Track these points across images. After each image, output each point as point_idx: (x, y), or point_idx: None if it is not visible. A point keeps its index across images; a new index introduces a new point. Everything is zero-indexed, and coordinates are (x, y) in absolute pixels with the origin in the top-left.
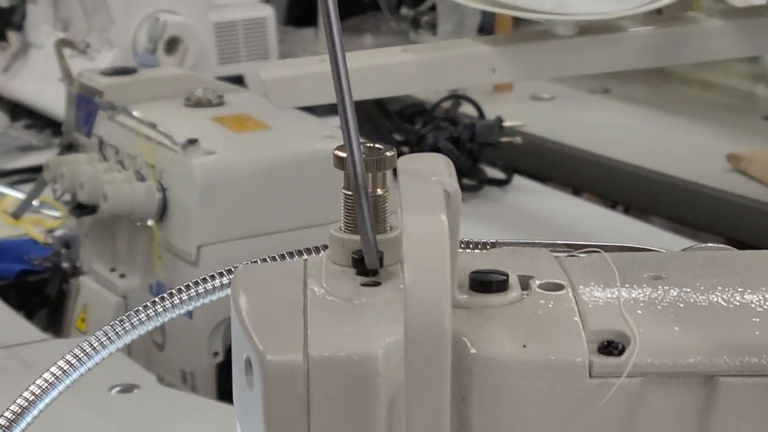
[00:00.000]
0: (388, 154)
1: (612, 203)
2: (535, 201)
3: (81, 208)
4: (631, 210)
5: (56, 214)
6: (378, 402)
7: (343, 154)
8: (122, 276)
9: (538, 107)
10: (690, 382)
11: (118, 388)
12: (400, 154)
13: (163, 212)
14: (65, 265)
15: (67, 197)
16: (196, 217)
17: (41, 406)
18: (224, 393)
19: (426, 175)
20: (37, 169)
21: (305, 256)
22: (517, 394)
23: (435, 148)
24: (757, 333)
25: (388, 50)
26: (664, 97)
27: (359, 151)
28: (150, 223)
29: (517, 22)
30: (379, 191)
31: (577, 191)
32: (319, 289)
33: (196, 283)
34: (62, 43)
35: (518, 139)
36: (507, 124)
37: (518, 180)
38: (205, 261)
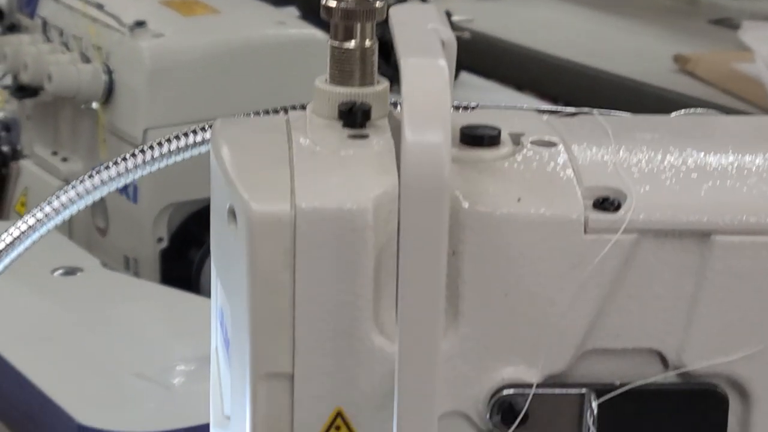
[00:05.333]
0: (377, 4)
1: (554, 100)
2: (479, 96)
3: (23, 90)
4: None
5: None
6: (366, 254)
7: (332, 4)
8: (64, 160)
9: (485, 6)
10: (686, 240)
11: (61, 271)
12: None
13: (108, 95)
14: (5, 148)
15: (9, 80)
16: (142, 99)
17: None
18: (168, 280)
19: (421, 23)
20: None
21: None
22: (510, 249)
23: (382, 42)
24: (754, 192)
25: None
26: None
27: None
28: (95, 105)
29: None
30: (368, 42)
31: (520, 88)
32: (304, 140)
33: (169, 140)
34: None
35: (467, 34)
36: (455, 18)
37: (464, 76)
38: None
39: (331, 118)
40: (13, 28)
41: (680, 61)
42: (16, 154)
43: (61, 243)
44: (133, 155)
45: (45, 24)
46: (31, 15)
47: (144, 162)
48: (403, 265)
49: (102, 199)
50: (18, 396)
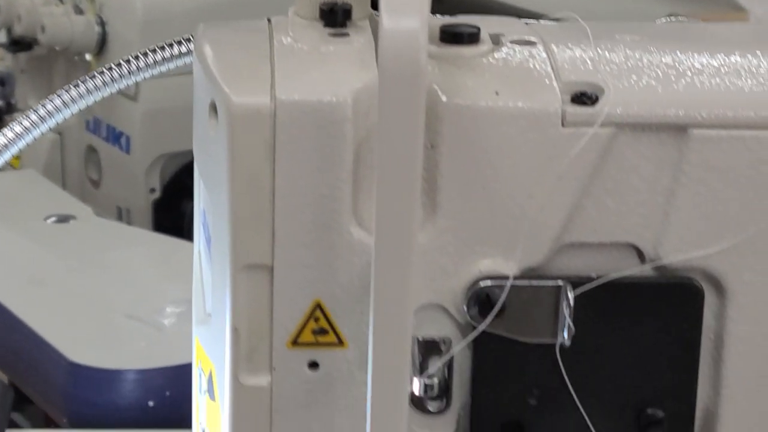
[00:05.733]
0: None
1: None
2: None
3: (17, 44)
4: None
5: None
6: (345, 146)
7: None
8: None
9: None
10: (663, 133)
11: (53, 219)
12: None
13: (101, 46)
14: (0, 102)
15: (2, 38)
16: (135, 50)
17: None
18: (160, 230)
19: None
20: None
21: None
22: (488, 141)
23: None
24: (731, 88)
25: None
26: None
27: None
28: (88, 57)
29: None
30: None
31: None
32: (286, 39)
33: (154, 51)
34: None
35: None
36: None
37: None
38: (144, 95)
39: (313, 18)
40: None
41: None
42: (10, 108)
43: (54, 192)
44: (126, 62)
45: None
46: None
47: (129, 72)
48: (380, 148)
49: (95, 150)
50: (10, 337)
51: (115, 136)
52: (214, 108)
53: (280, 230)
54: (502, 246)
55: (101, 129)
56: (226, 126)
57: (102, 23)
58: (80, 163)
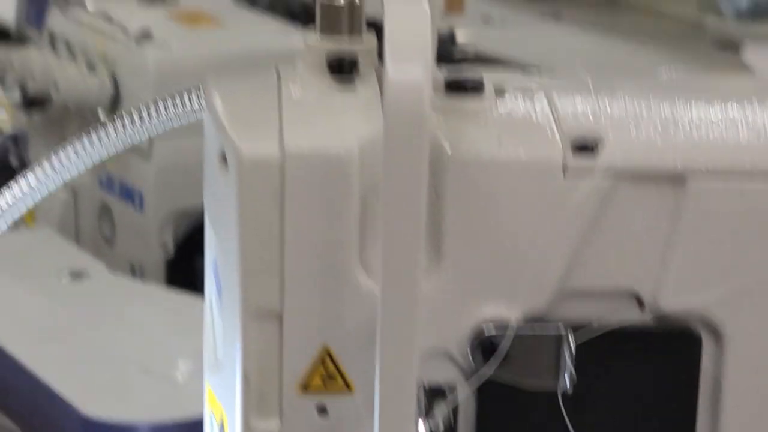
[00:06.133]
0: None
1: None
2: None
3: (31, 103)
4: None
5: (3, 116)
6: (352, 196)
7: None
8: None
9: (489, 30)
10: (662, 183)
11: (68, 275)
12: None
13: (115, 104)
14: (14, 161)
15: (17, 96)
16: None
17: None
18: (173, 286)
19: None
20: None
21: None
22: (491, 191)
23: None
24: (728, 141)
25: None
26: (614, 23)
27: None
28: (101, 115)
29: None
30: (357, 0)
31: None
32: (294, 90)
33: (165, 101)
34: None
35: (471, 54)
36: (460, 41)
37: None
38: (157, 154)
39: (320, 70)
40: (21, 41)
41: None
42: (24, 166)
43: (68, 249)
44: (137, 114)
45: (53, 36)
46: (39, 28)
47: (141, 125)
48: (385, 198)
49: (108, 208)
50: (25, 391)
51: (128, 194)
52: (224, 158)
53: (289, 277)
54: (505, 292)
55: (115, 186)
56: (235, 176)
57: (115, 81)
58: (94, 220)
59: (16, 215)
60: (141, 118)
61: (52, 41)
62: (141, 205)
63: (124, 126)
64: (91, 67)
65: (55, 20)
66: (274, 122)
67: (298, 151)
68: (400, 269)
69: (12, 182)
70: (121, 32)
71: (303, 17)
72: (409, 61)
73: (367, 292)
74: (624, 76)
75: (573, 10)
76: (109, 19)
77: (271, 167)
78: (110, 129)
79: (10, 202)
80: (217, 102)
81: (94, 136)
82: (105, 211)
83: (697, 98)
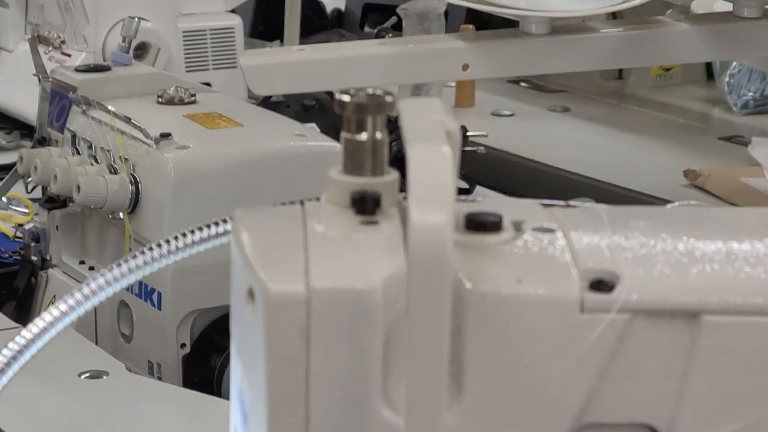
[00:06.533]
0: (387, 99)
1: None
2: None
3: (52, 201)
4: None
5: (25, 210)
6: (376, 332)
7: (345, 99)
8: (91, 268)
9: (499, 123)
10: (677, 319)
11: (87, 374)
12: None
13: (135, 204)
14: (34, 258)
15: (39, 193)
16: (168, 209)
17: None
18: (190, 384)
19: (427, 115)
20: (5, 168)
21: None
22: (510, 326)
23: (398, 157)
24: (741, 276)
25: (365, 43)
26: (622, 117)
27: None
28: (121, 215)
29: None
30: (378, 135)
31: None
32: (318, 226)
33: (192, 231)
34: (37, 39)
35: (482, 149)
36: (470, 134)
37: (480, 190)
38: None
39: (344, 206)
40: (43, 142)
41: (690, 175)
42: (44, 264)
43: (87, 348)
44: (158, 245)
45: (74, 137)
46: (61, 129)
47: (168, 252)
48: (409, 335)
49: (127, 306)
50: None
51: (147, 293)
52: (251, 293)
53: (314, 410)
54: (525, 426)
55: (133, 285)
56: (262, 311)
57: (135, 182)
58: (113, 318)
59: (46, 339)
60: (169, 245)
61: (74, 141)
62: (159, 303)
63: (153, 255)
64: (111, 167)
65: (77, 120)
66: (300, 259)
67: (323, 287)
68: (423, 404)
69: (49, 309)
70: (140, 133)
71: (317, 111)
72: (432, 204)
73: (390, 425)
74: (636, 207)
75: (581, 103)
76: (128, 119)
77: (298, 304)
78: (139, 259)
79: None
80: (245, 238)
81: (122, 266)
82: (123, 309)
83: (709, 233)
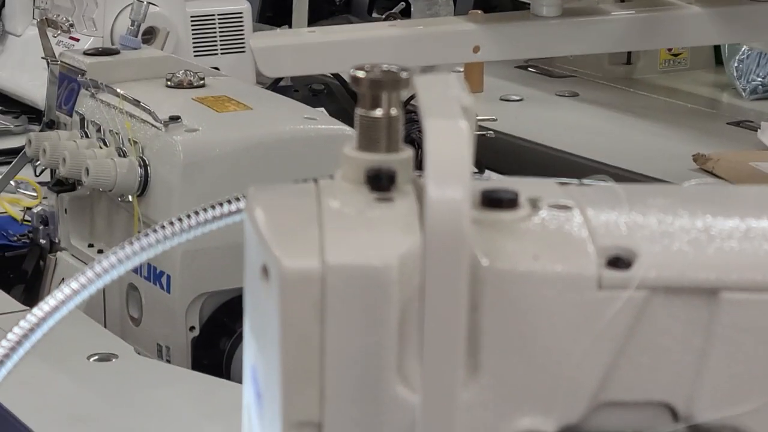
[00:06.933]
0: (402, 75)
1: None
2: None
3: (61, 185)
4: None
5: (33, 193)
6: (392, 308)
7: (360, 74)
8: (100, 251)
9: (507, 108)
10: (695, 296)
11: (96, 357)
12: None
13: (144, 188)
14: (43, 241)
15: (47, 176)
16: (177, 192)
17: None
18: (199, 367)
19: (443, 90)
20: (14, 152)
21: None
22: (527, 304)
23: (409, 140)
24: (760, 253)
25: (376, 24)
26: (631, 102)
27: None
28: (130, 198)
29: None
30: (393, 111)
31: None
32: (333, 203)
33: (205, 210)
34: (45, 23)
35: (491, 133)
36: (479, 118)
37: (489, 175)
38: None
39: (359, 183)
40: (52, 125)
41: (700, 160)
42: (53, 247)
43: (96, 331)
44: (170, 223)
45: (83, 120)
46: (70, 112)
47: (180, 230)
48: (427, 312)
49: (136, 289)
50: None
51: (156, 275)
52: (265, 270)
53: (329, 388)
54: (541, 404)
55: (142, 268)
56: (277, 289)
57: (144, 165)
58: (122, 301)
59: (57, 317)
60: (182, 223)
61: (83, 125)
62: (168, 286)
63: (165, 233)
64: (120, 150)
65: (86, 104)
66: (314, 236)
67: (338, 264)
68: (440, 381)
69: (60, 287)
70: (149, 116)
71: (325, 95)
72: (449, 180)
73: (404, 402)
74: (654, 185)
75: (589, 88)
76: (137, 102)
77: (313, 280)
78: (151, 237)
79: (56, 304)
80: (259, 215)
81: (135, 244)
82: (132, 292)
83: (727, 211)
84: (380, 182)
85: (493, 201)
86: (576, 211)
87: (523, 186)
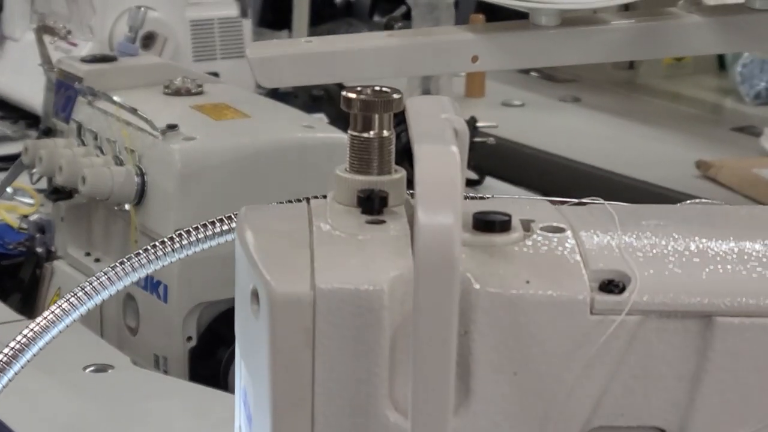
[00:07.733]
0: (394, 96)
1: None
2: None
3: (58, 192)
4: None
5: (30, 201)
6: (382, 333)
7: (352, 96)
8: (97, 260)
9: (509, 113)
10: (688, 321)
11: (92, 368)
12: None
13: (141, 196)
14: (39, 249)
15: (44, 184)
16: (174, 201)
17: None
18: (196, 377)
19: (435, 113)
20: (11, 158)
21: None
22: (519, 328)
23: (407, 148)
24: (754, 276)
25: (374, 34)
26: (633, 107)
27: None
28: (127, 207)
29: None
30: (385, 133)
31: (547, 194)
32: (325, 225)
33: (197, 229)
34: (42, 29)
35: (491, 140)
36: (480, 125)
37: (490, 181)
38: None
39: (351, 204)
40: (49, 132)
41: (702, 166)
42: (50, 255)
43: (92, 341)
44: (162, 243)
45: (80, 128)
46: (67, 119)
47: (173, 250)
48: (416, 338)
49: (133, 299)
50: None
51: (153, 285)
52: (255, 294)
53: (319, 414)
54: (533, 430)
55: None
56: (267, 313)
57: (141, 173)
58: (118, 310)
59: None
60: (173, 243)
61: (80, 132)
62: (165, 296)
63: (156, 254)
64: (117, 159)
65: (83, 111)
66: (305, 260)
67: (328, 288)
68: (430, 407)
69: (59, 302)
70: (147, 124)
71: (325, 101)
72: (439, 205)
73: (396, 428)
74: (647, 206)
75: (592, 93)
76: (134, 110)
77: (303, 305)
78: (143, 257)
79: (54, 318)
80: (249, 238)
81: (126, 264)
82: (129, 302)
83: (721, 233)
84: (372, 204)
85: (486, 224)
86: (569, 233)
87: (516, 207)
